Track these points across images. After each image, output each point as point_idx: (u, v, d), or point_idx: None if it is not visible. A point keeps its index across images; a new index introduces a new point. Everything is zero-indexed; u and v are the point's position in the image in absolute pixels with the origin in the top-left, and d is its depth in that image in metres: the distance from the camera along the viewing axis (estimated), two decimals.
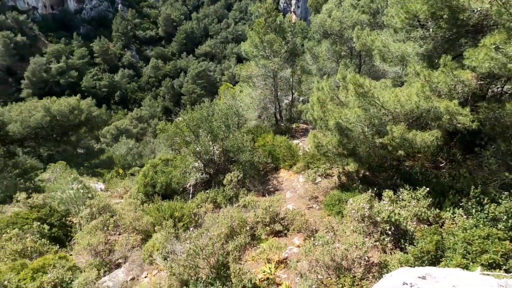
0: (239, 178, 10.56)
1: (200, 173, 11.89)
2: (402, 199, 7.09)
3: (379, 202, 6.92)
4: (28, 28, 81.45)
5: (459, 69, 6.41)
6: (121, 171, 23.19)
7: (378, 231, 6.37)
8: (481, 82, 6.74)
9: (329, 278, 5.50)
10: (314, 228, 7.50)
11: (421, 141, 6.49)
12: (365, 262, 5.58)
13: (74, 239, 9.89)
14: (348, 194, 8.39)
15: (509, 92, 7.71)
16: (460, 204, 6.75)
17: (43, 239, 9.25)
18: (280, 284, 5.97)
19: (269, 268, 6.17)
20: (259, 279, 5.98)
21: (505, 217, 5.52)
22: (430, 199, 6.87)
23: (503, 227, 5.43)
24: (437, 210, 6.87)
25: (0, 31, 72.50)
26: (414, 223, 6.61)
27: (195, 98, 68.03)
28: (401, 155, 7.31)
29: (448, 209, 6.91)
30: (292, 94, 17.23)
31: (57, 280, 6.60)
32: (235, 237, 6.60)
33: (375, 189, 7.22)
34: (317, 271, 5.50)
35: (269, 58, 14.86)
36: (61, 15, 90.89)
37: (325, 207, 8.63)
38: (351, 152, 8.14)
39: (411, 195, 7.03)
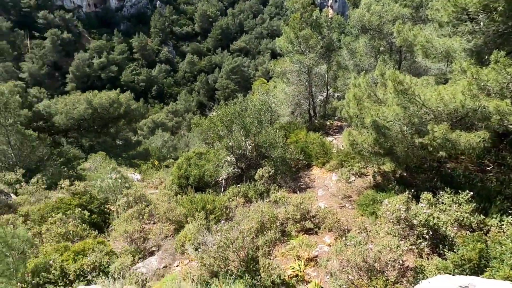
0: (270, 173, 10.61)
1: (232, 167, 12.09)
2: (442, 203, 6.75)
3: (416, 204, 6.65)
4: (73, 26, 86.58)
5: None
6: (156, 162, 24.13)
7: (415, 234, 6.13)
8: None
9: (360, 280, 5.40)
10: (346, 227, 7.37)
11: (465, 142, 6.13)
12: (399, 266, 5.40)
13: (111, 226, 10.45)
14: (383, 194, 8.14)
15: None
16: (509, 212, 6.32)
17: (83, 224, 9.84)
18: (309, 282, 5.95)
19: (299, 265, 6.16)
20: (288, 275, 6.00)
21: None
22: (474, 204, 6.48)
23: None
24: (482, 217, 6.46)
25: (48, 29, 77.76)
26: (455, 228, 6.27)
27: (229, 93, 68.97)
28: (442, 156, 6.97)
29: (494, 216, 6.49)
30: (327, 90, 16.93)
31: (95, 263, 7.01)
32: (265, 232, 6.66)
33: (413, 190, 6.93)
34: (348, 271, 5.41)
35: (304, 54, 14.68)
36: (103, 12, 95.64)
37: (358, 207, 8.45)
38: (388, 152, 7.88)
39: (452, 199, 6.67)
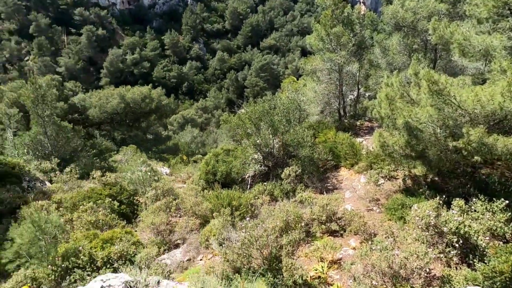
0: (297, 173, 10.61)
1: (259, 165, 12.21)
2: (475, 210, 6.46)
3: (447, 211, 6.42)
4: (107, 23, 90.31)
5: None
6: (185, 157, 24.78)
7: (444, 242, 5.93)
8: None
9: (384, 286, 5.31)
10: (372, 231, 7.26)
11: (503, 147, 5.84)
12: (425, 274, 5.26)
13: (139, 217, 10.88)
14: (412, 199, 7.93)
15: None
16: None
17: (112, 214, 10.26)
18: (331, 285, 5.93)
19: (322, 267, 6.15)
20: (310, 277, 6.01)
21: None
22: (509, 213, 6.15)
23: None
24: None
25: (84, 25, 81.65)
26: (487, 238, 5.99)
27: (257, 91, 69.32)
28: (477, 161, 6.65)
29: None
30: (358, 89, 16.60)
31: (122, 252, 7.33)
32: (289, 232, 6.70)
33: (444, 196, 6.68)
34: (372, 276, 5.34)
35: (335, 52, 14.49)
36: (136, 10, 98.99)
37: (386, 211, 8.27)
38: (420, 155, 7.64)
39: (486, 207, 6.37)
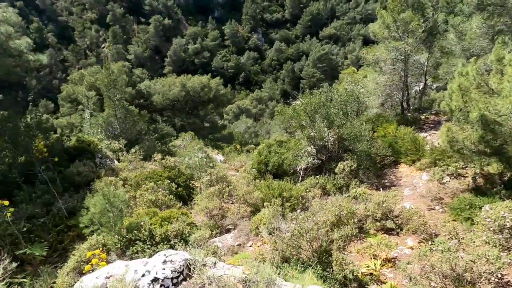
0: (352, 168, 10.23)
1: (311, 158, 12.00)
2: None
3: None
4: (173, 13, 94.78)
5: None
6: (238, 146, 25.34)
7: None
8: None
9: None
10: (433, 231, 6.75)
11: None
12: (496, 279, 4.75)
13: (194, 200, 11.40)
14: (484, 199, 7.21)
15: None
16: None
17: (170, 195, 10.85)
18: (384, 282, 5.65)
19: (375, 264, 5.90)
20: (361, 273, 5.80)
21: None
22: None
23: None
24: None
25: (152, 15, 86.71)
26: None
27: (314, 82, 67.98)
28: None
29: None
30: (425, 80, 15.32)
31: (178, 231, 7.73)
32: (341, 227, 6.51)
33: None
34: (430, 277, 4.96)
35: (401, 40, 13.50)
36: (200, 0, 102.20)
37: (451, 211, 7.63)
38: (496, 151, 6.87)
39: None
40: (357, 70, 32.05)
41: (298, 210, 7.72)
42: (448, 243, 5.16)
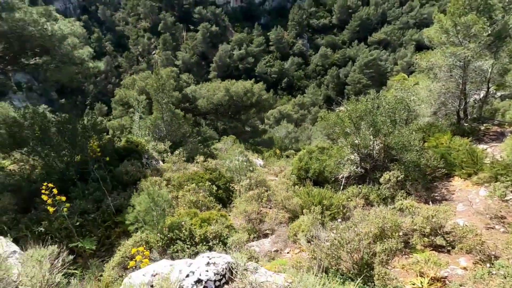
0: (399, 178, 9.72)
1: (354, 167, 11.60)
2: None
3: None
4: (221, 20, 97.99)
5: None
6: (278, 151, 25.29)
7: None
8: None
9: None
10: (492, 253, 6.14)
11: None
12: None
13: (233, 203, 11.52)
14: None
15: None
16: None
17: (211, 197, 11.02)
18: None
19: (421, 282, 5.50)
20: None
21: None
22: None
23: None
24: None
25: (201, 23, 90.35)
26: None
27: (359, 89, 66.23)
28: None
29: None
30: (488, 88, 14.16)
31: (217, 233, 7.82)
32: (385, 240, 6.19)
33: None
34: None
35: (461, 45, 12.62)
36: (247, 7, 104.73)
37: None
38: None
39: None
40: (408, 77, 30.57)
41: (339, 220, 7.47)
42: (511, 267, 4.67)
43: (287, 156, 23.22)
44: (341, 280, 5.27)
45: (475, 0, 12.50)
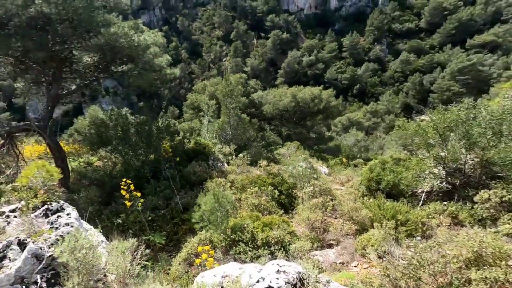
0: (504, 199, 8.37)
1: (439, 181, 10.40)
2: None
3: None
4: (292, 27, 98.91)
5: None
6: (345, 160, 24.25)
7: None
8: None
9: None
10: None
11: None
12: None
13: (295, 210, 11.20)
14: None
15: None
16: None
17: (273, 202, 10.89)
18: None
19: None
20: None
21: None
22: None
23: None
24: None
25: (272, 30, 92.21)
26: None
27: (448, 97, 60.57)
28: None
29: None
30: None
31: (279, 238, 7.62)
32: (484, 267, 5.28)
33: None
34: None
35: None
36: (322, 13, 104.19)
37: None
38: None
39: None
40: None
41: (418, 238, 6.68)
42: None
43: (355, 166, 22.10)
44: None
45: None
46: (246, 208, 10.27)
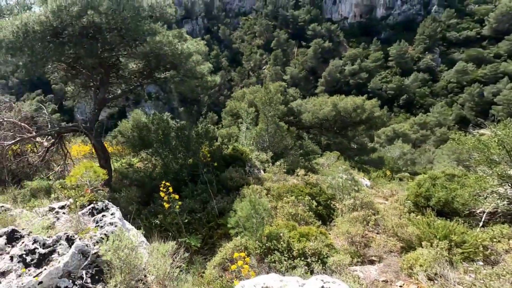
0: None
1: (506, 202, 9.54)
2: None
3: None
4: (335, 36, 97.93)
5: None
6: (389, 173, 23.24)
7: None
8: None
9: None
10: None
11: None
12: None
13: (334, 222, 10.82)
14: None
15: None
16: None
17: (310, 212, 10.61)
18: None
19: None
20: None
21: None
22: None
23: None
24: None
25: (314, 39, 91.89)
26: None
27: None
28: None
29: None
30: None
31: (316, 250, 7.33)
32: None
33: None
34: None
35: None
36: (367, 22, 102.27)
37: None
38: None
39: None
40: None
41: (480, 262, 6.12)
42: None
43: (400, 179, 21.06)
44: None
45: None
46: (282, 217, 10.08)
